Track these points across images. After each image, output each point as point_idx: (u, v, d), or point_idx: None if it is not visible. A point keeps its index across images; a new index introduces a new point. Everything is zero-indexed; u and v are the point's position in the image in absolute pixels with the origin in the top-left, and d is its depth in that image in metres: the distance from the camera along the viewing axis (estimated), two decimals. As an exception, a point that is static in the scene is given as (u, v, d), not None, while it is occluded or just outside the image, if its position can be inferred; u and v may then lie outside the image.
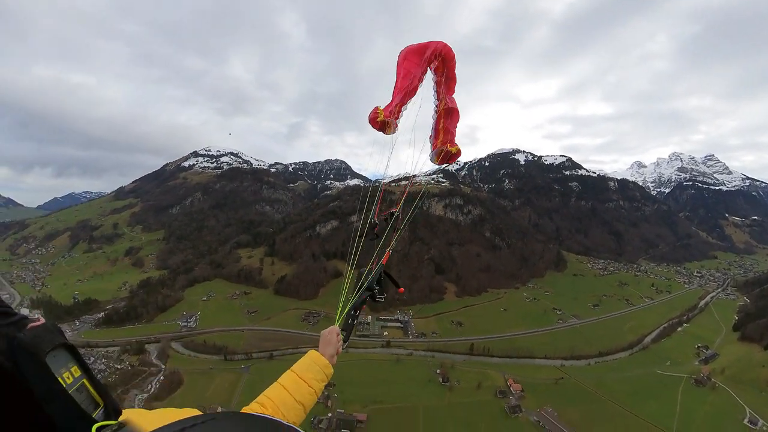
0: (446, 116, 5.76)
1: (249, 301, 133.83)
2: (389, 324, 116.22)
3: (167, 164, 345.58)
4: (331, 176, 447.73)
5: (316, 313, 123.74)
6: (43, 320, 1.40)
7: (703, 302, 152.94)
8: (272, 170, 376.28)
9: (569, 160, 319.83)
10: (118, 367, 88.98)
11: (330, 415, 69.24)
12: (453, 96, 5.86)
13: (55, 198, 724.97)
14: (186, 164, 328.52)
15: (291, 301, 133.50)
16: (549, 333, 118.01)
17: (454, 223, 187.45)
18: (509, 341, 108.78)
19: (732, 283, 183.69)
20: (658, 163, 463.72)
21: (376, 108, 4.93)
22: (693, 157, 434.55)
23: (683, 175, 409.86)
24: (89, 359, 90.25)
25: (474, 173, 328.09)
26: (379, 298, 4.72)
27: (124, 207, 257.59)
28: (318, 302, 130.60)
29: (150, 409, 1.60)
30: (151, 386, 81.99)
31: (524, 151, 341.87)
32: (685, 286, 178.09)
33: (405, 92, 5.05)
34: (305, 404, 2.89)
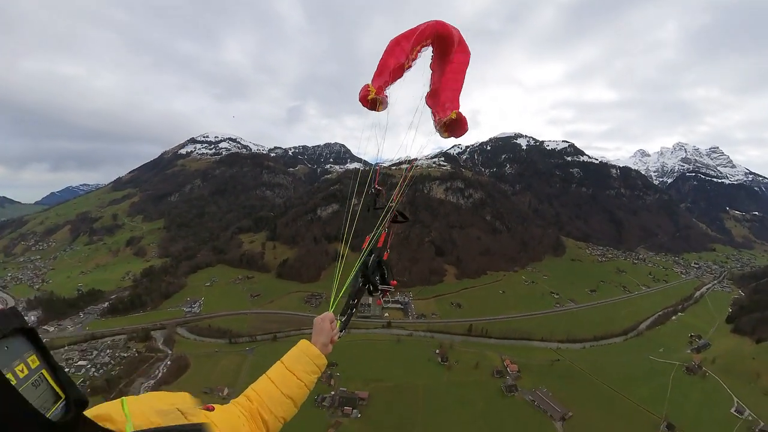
0: (450, 71, 4.67)
1: (252, 285, 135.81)
2: (390, 305, 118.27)
3: (165, 152, 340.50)
4: (331, 160, 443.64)
5: (319, 295, 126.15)
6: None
7: (698, 293, 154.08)
8: (272, 155, 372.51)
9: (571, 146, 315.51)
10: (125, 355, 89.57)
11: (333, 393, 72.06)
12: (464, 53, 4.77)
13: (52, 193, 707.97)
14: (184, 151, 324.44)
15: (293, 284, 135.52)
16: (546, 316, 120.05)
17: (455, 206, 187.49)
18: (507, 323, 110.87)
19: (728, 276, 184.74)
20: (661, 153, 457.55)
21: (367, 85, 4.38)
22: (697, 149, 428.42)
23: (686, 165, 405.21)
24: (93, 352, 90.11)
25: (475, 157, 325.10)
26: (375, 294, 4.23)
27: (123, 197, 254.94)
28: (320, 285, 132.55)
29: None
30: (159, 371, 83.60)
31: (526, 136, 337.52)
32: (682, 276, 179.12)
33: (386, 69, 4.38)
34: (294, 398, 2.68)
